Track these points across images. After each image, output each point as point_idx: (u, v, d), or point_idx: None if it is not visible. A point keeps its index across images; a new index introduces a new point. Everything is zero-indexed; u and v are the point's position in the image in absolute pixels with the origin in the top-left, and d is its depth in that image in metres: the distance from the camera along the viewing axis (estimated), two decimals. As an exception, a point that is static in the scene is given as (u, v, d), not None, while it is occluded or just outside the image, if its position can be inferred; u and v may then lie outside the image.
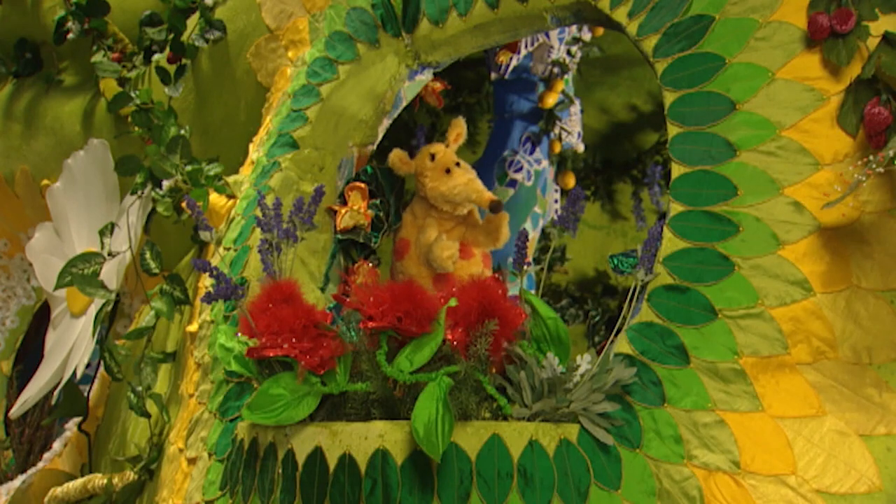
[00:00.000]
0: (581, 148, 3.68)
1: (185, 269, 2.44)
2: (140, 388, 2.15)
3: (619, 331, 1.63)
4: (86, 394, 2.50)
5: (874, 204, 1.55)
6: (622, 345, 1.61)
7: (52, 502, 2.31)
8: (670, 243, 1.65)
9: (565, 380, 1.50)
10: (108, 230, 2.34)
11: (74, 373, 2.26)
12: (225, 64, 2.51)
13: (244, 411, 1.51)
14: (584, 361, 1.52)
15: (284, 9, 2.39)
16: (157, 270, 2.23)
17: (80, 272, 2.26)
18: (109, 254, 2.30)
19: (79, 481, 2.26)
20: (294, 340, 1.49)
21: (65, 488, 2.28)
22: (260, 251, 1.73)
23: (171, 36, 2.54)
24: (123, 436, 2.38)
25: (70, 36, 2.79)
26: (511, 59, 3.39)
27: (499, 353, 1.54)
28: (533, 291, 1.72)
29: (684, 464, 1.50)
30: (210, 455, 1.82)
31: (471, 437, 1.42)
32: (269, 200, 1.95)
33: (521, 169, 3.49)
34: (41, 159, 2.95)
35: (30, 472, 2.70)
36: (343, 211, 2.11)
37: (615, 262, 1.71)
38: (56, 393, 2.47)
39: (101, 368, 2.40)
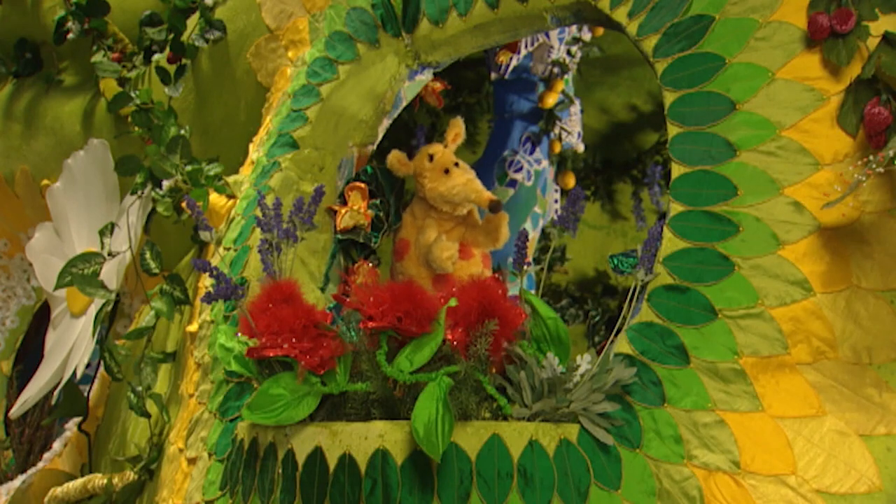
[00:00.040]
0: (581, 148, 3.68)
1: (185, 269, 2.44)
2: (140, 388, 2.15)
3: (619, 331, 1.63)
4: (86, 394, 2.50)
5: (874, 204, 1.55)
6: (622, 345, 1.61)
7: (52, 502, 2.31)
8: (670, 243, 1.65)
9: (565, 380, 1.50)
10: (108, 230, 2.34)
11: (74, 373, 2.26)
12: (225, 64, 2.51)
13: (244, 411, 1.51)
14: (584, 361, 1.52)
15: (284, 9, 2.39)
16: (157, 270, 2.23)
17: (80, 272, 2.26)
18: (109, 254, 2.30)
19: (79, 481, 2.26)
20: (294, 340, 1.49)
21: (65, 488, 2.28)
22: (260, 251, 1.73)
23: (171, 36, 2.54)
24: (123, 436, 2.38)
25: (70, 36, 2.79)
26: (511, 59, 3.39)
27: (499, 353, 1.54)
28: (533, 291, 1.72)
29: (684, 464, 1.50)
30: (210, 455, 1.82)
31: (471, 437, 1.42)
32: (269, 200, 1.95)
33: (521, 169, 3.49)
34: (41, 159, 2.95)
35: (30, 472, 2.70)
36: (343, 211, 2.11)
37: (615, 262, 1.71)
38: (56, 393, 2.47)
39: (101, 368, 2.40)
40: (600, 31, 3.56)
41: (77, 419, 2.65)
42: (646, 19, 1.84)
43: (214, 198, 2.19)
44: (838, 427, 1.49)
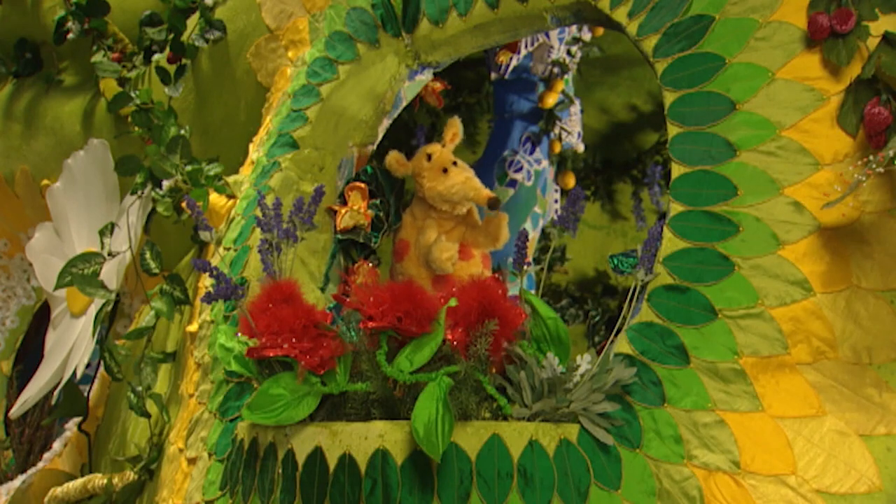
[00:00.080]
0: (581, 148, 3.68)
1: (185, 269, 2.44)
2: (140, 388, 2.15)
3: (619, 331, 1.63)
4: (86, 394, 2.50)
5: (874, 204, 1.55)
6: (622, 345, 1.60)
7: (52, 502, 2.31)
8: (670, 243, 1.65)
9: (565, 380, 1.50)
10: (108, 230, 2.34)
11: (74, 373, 2.26)
12: (225, 64, 2.51)
13: (244, 411, 1.51)
14: (584, 361, 1.52)
15: (284, 9, 2.39)
16: (157, 270, 2.23)
17: (80, 272, 2.26)
18: (109, 254, 2.30)
19: (79, 481, 2.26)
20: (294, 340, 1.49)
21: (65, 488, 2.28)
22: (260, 251, 1.73)
23: (171, 36, 2.54)
24: (123, 436, 2.38)
25: (70, 36, 2.79)
26: (511, 59, 3.39)
27: (499, 353, 1.54)
28: (533, 291, 1.72)
29: (684, 464, 1.50)
30: (210, 455, 1.82)
31: (471, 437, 1.42)
32: (269, 200, 1.95)
33: (521, 169, 3.49)
34: (41, 159, 2.95)
35: (30, 472, 2.70)
36: (343, 211, 2.11)
37: (615, 262, 1.71)
38: (56, 393, 2.47)
39: (101, 368, 2.40)
40: (600, 31, 3.56)
41: (77, 419, 2.65)
42: (646, 19, 1.84)
43: (214, 198, 2.19)
44: (838, 427, 1.49)
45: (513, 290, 1.67)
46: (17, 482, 2.67)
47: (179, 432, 2.00)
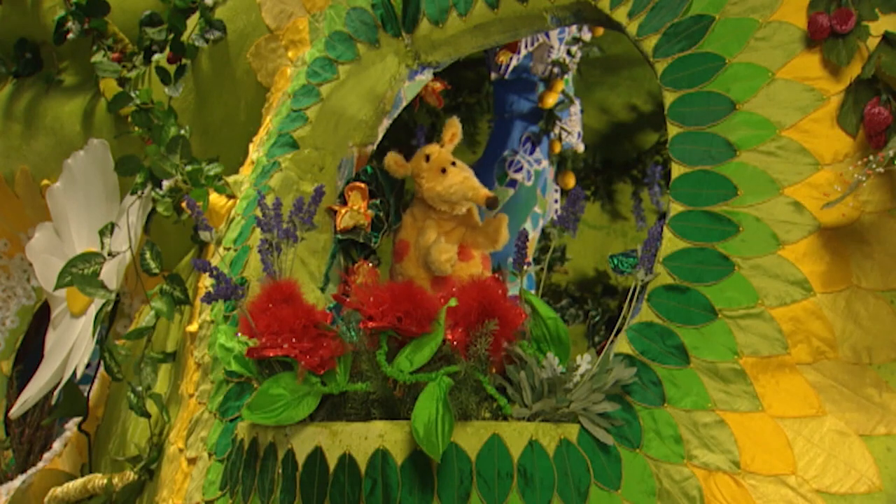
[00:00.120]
0: (581, 148, 3.68)
1: (185, 269, 2.44)
2: (140, 388, 2.15)
3: (619, 331, 1.63)
4: (86, 394, 2.50)
5: (874, 204, 1.55)
6: (622, 345, 1.60)
7: (52, 502, 2.31)
8: (670, 243, 1.65)
9: (565, 380, 1.50)
10: (108, 230, 2.34)
11: (74, 373, 2.26)
12: (225, 64, 2.51)
13: (244, 411, 1.51)
14: (584, 361, 1.52)
15: (284, 9, 2.39)
16: (157, 270, 2.23)
17: (80, 272, 2.26)
18: (109, 254, 2.30)
19: (79, 481, 2.26)
20: (294, 340, 1.49)
21: (65, 488, 2.28)
22: (260, 251, 1.73)
23: (171, 36, 2.54)
24: (123, 436, 2.38)
25: (70, 36, 2.79)
26: (511, 59, 3.39)
27: (499, 353, 1.54)
28: (533, 291, 1.72)
29: (684, 464, 1.50)
30: (210, 455, 1.82)
31: (471, 437, 1.42)
32: (269, 200, 1.95)
33: (521, 169, 3.49)
34: (41, 159, 2.95)
35: (30, 472, 2.70)
36: (343, 211, 2.11)
37: (615, 262, 1.71)
38: (56, 393, 2.47)
39: (101, 368, 2.39)
40: (600, 31, 3.56)
41: (77, 419, 2.65)
42: (646, 19, 1.84)
43: (214, 198, 2.19)
44: (838, 427, 1.49)
45: (513, 290, 1.67)
46: (17, 482, 2.67)
47: (179, 432, 2.00)
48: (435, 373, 1.44)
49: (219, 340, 1.70)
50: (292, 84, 2.28)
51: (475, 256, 2.19)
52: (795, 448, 1.48)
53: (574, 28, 3.50)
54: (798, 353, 1.53)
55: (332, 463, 1.43)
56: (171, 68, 2.53)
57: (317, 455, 1.44)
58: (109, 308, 2.24)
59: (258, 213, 1.79)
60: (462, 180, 2.13)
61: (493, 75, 3.55)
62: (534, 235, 3.50)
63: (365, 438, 1.42)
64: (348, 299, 1.57)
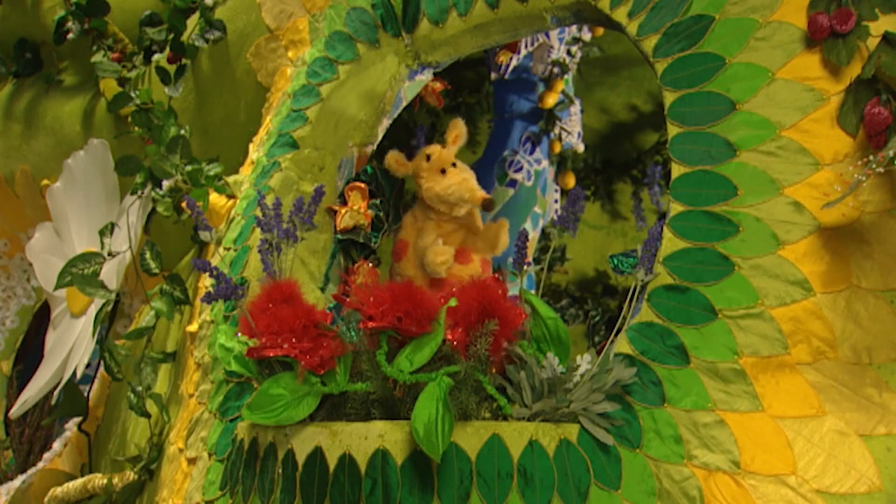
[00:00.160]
0: (581, 148, 3.68)
1: (185, 269, 2.44)
2: (140, 388, 2.15)
3: (619, 331, 1.63)
4: (86, 394, 2.50)
5: (874, 204, 1.55)
6: (622, 345, 1.61)
7: (52, 502, 2.31)
8: (670, 243, 1.65)
9: (565, 380, 1.50)
10: (108, 230, 2.34)
11: (74, 373, 2.26)
12: (225, 64, 2.51)
13: (244, 411, 1.51)
14: (584, 361, 1.52)
15: (284, 9, 2.39)
16: (157, 270, 2.23)
17: (80, 272, 2.26)
18: (109, 254, 2.30)
19: (79, 481, 2.26)
20: (294, 340, 1.49)
21: (65, 488, 2.28)
22: (260, 251, 1.73)
23: (171, 36, 2.54)
24: (123, 436, 2.38)
25: (70, 36, 2.79)
26: (511, 59, 3.39)
27: (499, 353, 1.54)
28: (533, 291, 1.72)
29: (684, 464, 1.50)
30: (210, 455, 1.82)
31: (471, 437, 1.42)
32: (269, 200, 1.95)
33: (521, 169, 3.49)
34: (41, 159, 2.95)
35: (30, 472, 2.70)
36: (343, 211, 2.11)
37: (615, 262, 1.71)
38: (56, 393, 2.47)
39: (101, 368, 2.40)
40: (600, 31, 3.56)
41: (77, 419, 2.65)
42: (646, 19, 1.84)
43: (214, 198, 2.19)
44: (838, 427, 1.49)
45: (513, 290, 1.67)
46: (17, 482, 2.67)
47: (179, 432, 2.00)
48: (435, 373, 1.44)
49: (219, 340, 1.70)
50: (292, 84, 2.28)
51: (474, 260, 2.18)
52: (795, 448, 1.48)
53: (574, 28, 3.50)
54: (798, 353, 1.53)
55: (332, 463, 1.43)
56: (171, 68, 2.53)
57: (317, 455, 1.44)
58: (109, 308, 2.24)
59: (258, 213, 1.79)
60: (460, 181, 2.12)
61: (493, 75, 3.55)
62: (534, 235, 3.50)
63: (365, 438, 1.42)
64: (348, 299, 1.57)
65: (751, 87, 1.68)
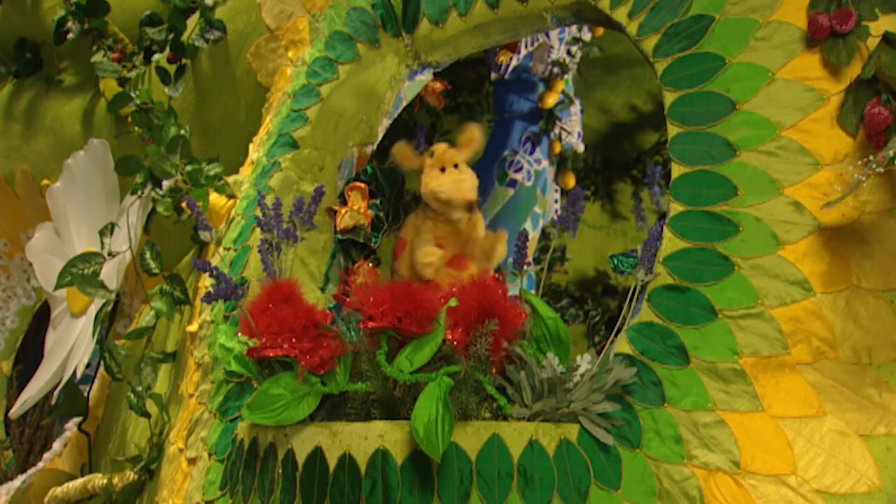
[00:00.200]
0: (581, 148, 3.68)
1: (185, 269, 2.44)
2: (140, 388, 2.15)
3: (619, 331, 1.63)
4: (86, 394, 2.50)
5: (874, 204, 1.55)
6: (622, 345, 1.60)
7: (52, 502, 2.31)
8: (670, 243, 1.65)
9: (565, 380, 1.50)
10: (108, 230, 2.34)
11: (74, 373, 2.26)
12: (225, 64, 2.51)
13: (244, 411, 1.51)
14: (584, 361, 1.52)
15: (284, 9, 2.39)
16: (157, 270, 2.23)
17: (80, 272, 2.26)
18: (109, 254, 2.30)
19: (79, 481, 2.26)
20: (294, 340, 1.49)
21: (65, 488, 2.28)
22: (260, 251, 1.73)
23: (171, 36, 2.54)
24: (123, 436, 2.38)
25: (70, 36, 2.79)
26: (511, 59, 3.39)
27: (499, 353, 1.54)
28: (533, 291, 1.72)
29: (684, 464, 1.50)
30: (210, 455, 1.82)
31: (471, 437, 1.42)
32: (269, 200, 1.95)
33: (521, 169, 3.49)
34: (41, 159, 2.95)
35: (30, 472, 2.70)
36: (343, 211, 2.11)
37: (615, 262, 1.71)
38: (56, 393, 2.47)
39: (101, 368, 2.40)
40: (600, 31, 3.56)
41: (77, 419, 2.65)
42: (646, 19, 1.84)
43: (214, 198, 2.19)
44: (838, 427, 1.49)
45: (513, 290, 1.67)
46: (17, 482, 2.67)
47: (179, 432, 2.00)
48: (435, 373, 1.44)
49: (219, 340, 1.70)
50: (292, 84, 2.28)
51: (471, 267, 2.14)
52: (795, 448, 1.48)
53: (574, 28, 3.50)
54: (798, 353, 1.53)
55: (332, 463, 1.43)
56: (171, 68, 2.53)
57: (317, 455, 1.44)
58: (109, 308, 2.24)
59: (258, 213, 1.79)
60: (453, 181, 2.07)
61: (493, 75, 3.55)
62: (534, 235, 3.50)
63: (365, 438, 1.42)
64: (348, 299, 1.57)
65: (751, 87, 1.68)
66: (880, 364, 1.52)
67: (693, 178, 1.68)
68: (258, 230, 1.87)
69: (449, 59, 2.26)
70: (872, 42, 1.59)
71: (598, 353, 1.57)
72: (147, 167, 2.29)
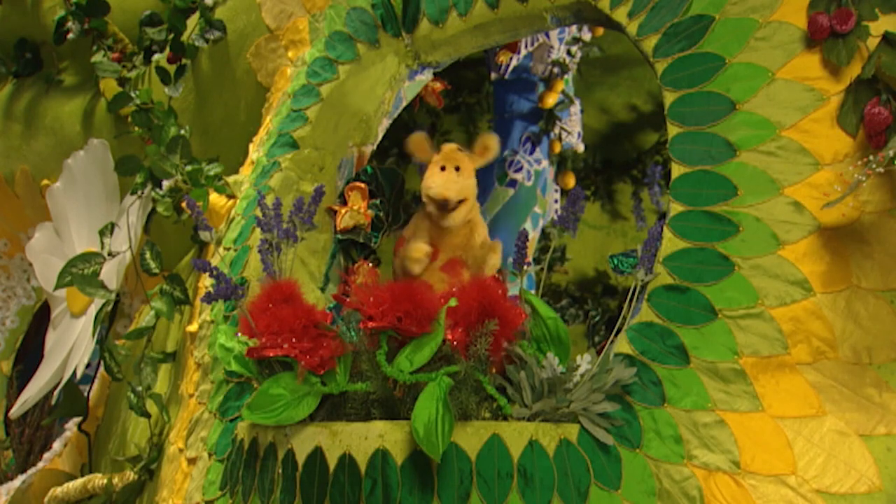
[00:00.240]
0: (581, 148, 3.68)
1: (185, 269, 2.44)
2: (140, 388, 2.15)
3: (619, 331, 1.63)
4: (86, 394, 2.50)
5: (874, 204, 1.55)
6: (622, 345, 1.60)
7: (52, 502, 2.31)
8: (670, 243, 1.65)
9: (565, 380, 1.50)
10: (108, 230, 2.34)
11: (74, 373, 2.26)
12: (225, 64, 2.51)
13: (244, 411, 1.51)
14: (584, 361, 1.52)
15: (284, 9, 2.39)
16: (157, 270, 2.23)
17: (80, 272, 2.26)
18: (109, 254, 2.30)
19: (79, 481, 2.26)
20: (294, 340, 1.49)
21: (65, 488, 2.28)
22: (260, 251, 1.73)
23: (171, 36, 2.54)
24: (123, 436, 2.38)
25: (70, 36, 2.79)
26: (511, 59, 3.39)
27: (499, 353, 1.54)
28: (533, 291, 1.72)
29: (684, 464, 1.50)
30: (210, 455, 1.82)
31: (471, 437, 1.42)
32: (269, 200, 1.95)
33: (521, 169, 3.49)
34: (41, 159, 2.95)
35: (30, 472, 2.70)
36: (343, 211, 2.11)
37: (615, 262, 1.71)
38: (56, 393, 2.47)
39: (101, 368, 2.40)
40: (600, 31, 3.56)
41: (77, 419, 2.65)
42: (646, 19, 1.84)
43: (214, 198, 2.19)
44: (838, 427, 1.49)
45: (513, 290, 1.67)
46: (17, 482, 2.67)
47: (179, 432, 2.00)
48: (435, 373, 1.44)
49: (219, 340, 1.70)
50: (292, 84, 2.28)
51: (462, 275, 2.10)
52: (795, 448, 1.48)
53: (574, 28, 3.50)
54: (798, 353, 1.53)
55: (332, 463, 1.43)
56: (171, 68, 2.53)
57: (317, 455, 1.44)
58: (109, 308, 2.24)
59: (258, 213, 1.79)
60: (444, 180, 2.01)
61: (493, 75, 3.55)
62: (534, 235, 3.50)
63: (365, 438, 1.42)
64: (348, 299, 1.57)
65: (751, 87, 1.68)
66: (880, 364, 1.52)
67: (693, 178, 1.68)
68: (258, 230, 1.87)
69: (449, 59, 2.26)
70: (872, 42, 1.59)
71: (598, 353, 1.57)
72: (147, 167, 2.29)
